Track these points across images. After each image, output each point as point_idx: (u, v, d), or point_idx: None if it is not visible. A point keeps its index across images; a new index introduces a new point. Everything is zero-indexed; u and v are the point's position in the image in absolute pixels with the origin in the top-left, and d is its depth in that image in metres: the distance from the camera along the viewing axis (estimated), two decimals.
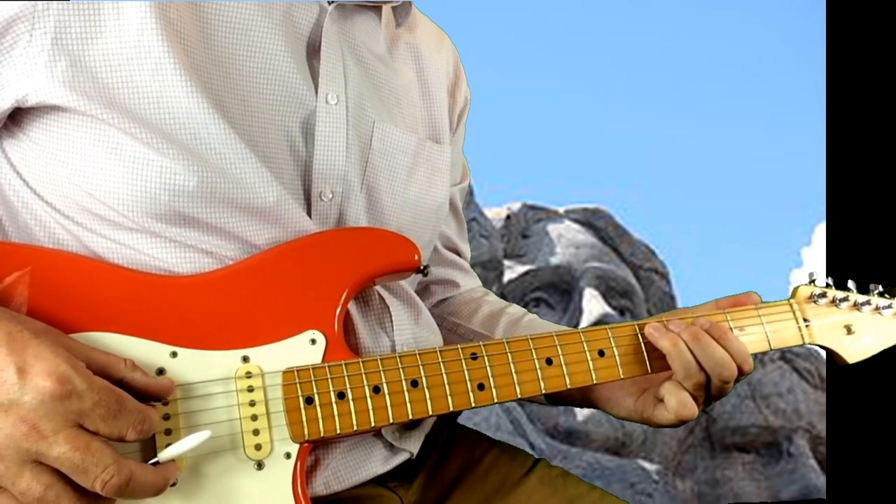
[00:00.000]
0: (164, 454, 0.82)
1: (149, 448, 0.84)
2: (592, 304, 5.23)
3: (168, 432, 0.85)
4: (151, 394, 0.82)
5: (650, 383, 1.08)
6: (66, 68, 0.87)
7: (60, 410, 0.74)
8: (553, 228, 5.71)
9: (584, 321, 5.13)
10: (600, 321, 5.06)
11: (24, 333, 0.77)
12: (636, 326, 1.05)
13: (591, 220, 5.86)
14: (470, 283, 1.36)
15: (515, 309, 1.29)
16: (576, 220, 5.83)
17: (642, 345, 1.05)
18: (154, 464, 0.81)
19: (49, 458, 0.74)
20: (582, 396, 1.14)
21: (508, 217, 5.61)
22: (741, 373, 1.04)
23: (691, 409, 1.01)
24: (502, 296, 1.36)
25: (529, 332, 1.06)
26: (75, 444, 0.74)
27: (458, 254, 1.35)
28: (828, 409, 2.32)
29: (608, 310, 5.23)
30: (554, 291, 5.43)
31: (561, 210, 5.94)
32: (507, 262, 5.44)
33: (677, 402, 1.02)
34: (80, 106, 0.87)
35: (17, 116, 0.92)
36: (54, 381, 0.74)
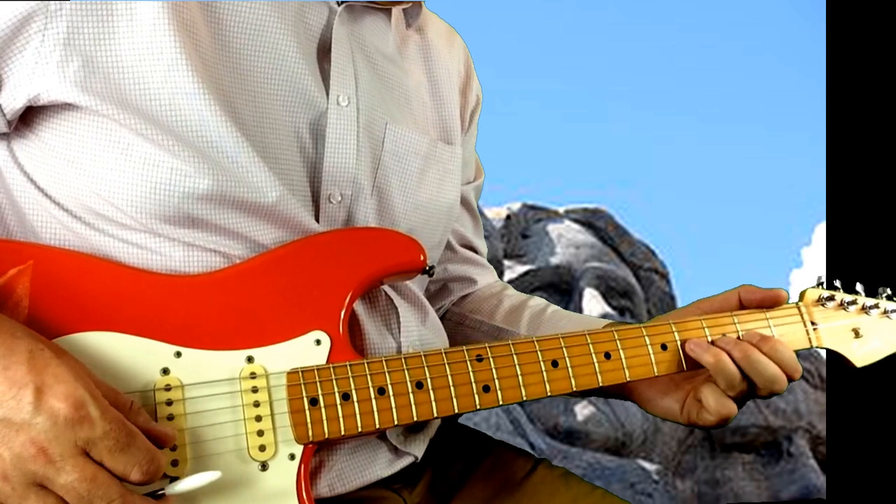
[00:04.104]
0: (173, 489, 0.81)
1: None
2: (592, 304, 5.22)
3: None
4: (153, 438, 0.80)
5: (691, 384, 1.08)
6: (78, 68, 0.87)
7: (70, 436, 0.74)
8: (553, 228, 5.71)
9: None
10: None
11: (45, 353, 0.76)
12: (643, 329, 1.05)
13: (591, 220, 5.85)
14: (487, 278, 1.36)
15: (537, 301, 1.29)
16: (576, 220, 5.82)
17: (648, 347, 1.05)
18: (161, 496, 0.80)
19: (55, 485, 0.73)
20: (616, 391, 1.13)
21: (508, 217, 5.60)
22: (789, 380, 1.04)
23: (730, 408, 1.03)
24: (507, 284, 1.35)
25: (553, 325, 1.05)
26: (83, 473, 0.74)
27: (475, 250, 1.35)
28: (828, 409, 2.32)
29: (608, 310, 5.22)
30: (554, 291, 5.43)
31: (561, 210, 5.93)
32: (507, 262, 5.44)
33: (716, 403, 1.03)
34: (92, 106, 0.87)
35: (27, 116, 0.92)
36: (69, 405, 0.74)
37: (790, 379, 1.04)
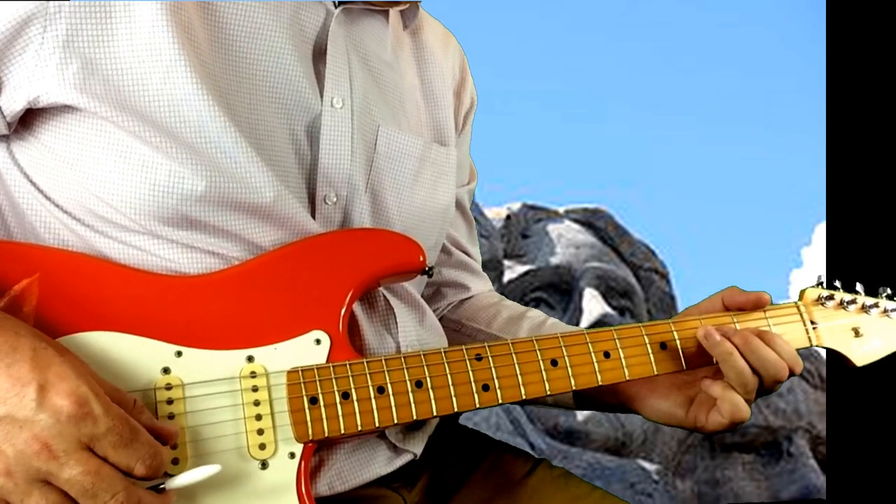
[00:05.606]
0: (173, 483, 0.82)
1: None
2: (592, 304, 5.23)
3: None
4: (156, 435, 0.81)
5: (693, 388, 1.08)
6: (77, 70, 0.87)
7: (73, 432, 0.74)
8: (553, 228, 5.71)
9: (584, 321, 5.12)
10: (600, 321, 5.06)
11: (48, 351, 0.77)
12: (642, 328, 1.06)
13: (591, 220, 5.85)
14: (481, 286, 1.36)
15: (536, 313, 1.28)
16: (576, 220, 5.82)
17: (648, 346, 1.05)
18: (161, 491, 0.81)
19: (59, 480, 0.74)
20: (616, 401, 1.13)
21: (508, 217, 5.60)
22: (791, 373, 1.04)
23: (745, 411, 1.02)
24: (502, 296, 1.35)
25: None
26: (86, 467, 0.74)
27: (468, 256, 1.35)
28: (828, 409, 2.32)
29: (608, 310, 5.22)
30: (554, 291, 5.43)
31: (561, 210, 5.93)
32: (507, 262, 5.44)
33: (731, 406, 1.02)
34: (91, 108, 0.88)
35: (27, 119, 0.92)
36: (72, 402, 0.74)
37: (792, 372, 1.04)
